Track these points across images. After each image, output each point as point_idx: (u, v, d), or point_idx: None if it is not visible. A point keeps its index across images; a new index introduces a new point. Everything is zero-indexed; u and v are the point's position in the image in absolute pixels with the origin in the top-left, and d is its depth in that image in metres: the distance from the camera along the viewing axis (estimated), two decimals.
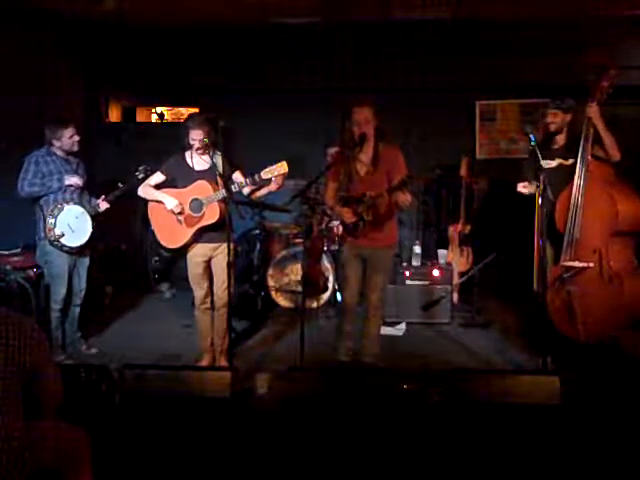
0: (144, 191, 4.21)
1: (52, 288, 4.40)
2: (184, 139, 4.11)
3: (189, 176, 4.12)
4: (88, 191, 4.60)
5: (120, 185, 4.52)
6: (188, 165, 4.16)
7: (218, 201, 4.02)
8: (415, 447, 2.91)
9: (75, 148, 4.45)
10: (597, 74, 4.04)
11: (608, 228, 3.96)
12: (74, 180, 4.38)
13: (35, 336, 2.22)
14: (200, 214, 4.07)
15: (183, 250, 4.21)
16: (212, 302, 4.31)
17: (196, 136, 4.05)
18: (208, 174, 4.08)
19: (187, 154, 4.17)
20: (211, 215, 4.05)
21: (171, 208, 4.07)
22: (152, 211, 4.26)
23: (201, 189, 4.07)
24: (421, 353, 4.65)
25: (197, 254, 4.18)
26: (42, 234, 4.34)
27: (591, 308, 4.02)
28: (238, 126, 6.52)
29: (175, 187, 4.18)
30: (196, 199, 4.07)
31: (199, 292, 4.26)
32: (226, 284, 4.01)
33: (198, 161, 4.15)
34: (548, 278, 4.05)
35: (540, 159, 3.74)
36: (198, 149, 4.10)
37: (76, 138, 4.42)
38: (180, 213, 4.09)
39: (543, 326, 3.88)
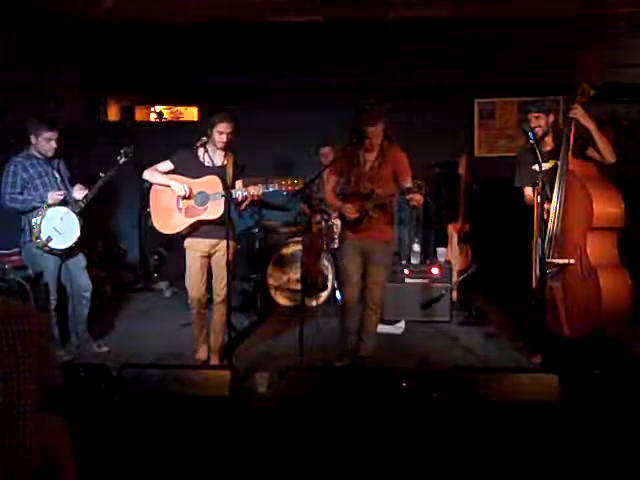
0: (150, 174, 4.19)
1: None
2: (208, 133, 4.09)
3: (198, 171, 4.13)
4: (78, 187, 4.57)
5: (102, 175, 4.46)
6: (199, 160, 4.16)
7: (224, 199, 4.01)
8: (415, 445, 2.92)
9: (50, 154, 4.38)
10: (581, 75, 4.05)
11: (585, 225, 4.03)
12: (55, 197, 4.32)
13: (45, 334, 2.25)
14: (203, 208, 4.09)
15: (183, 240, 4.22)
16: (209, 300, 4.33)
17: (224, 129, 4.04)
18: (217, 172, 4.08)
19: (200, 150, 4.16)
20: (213, 211, 4.05)
21: (177, 190, 4.07)
22: (154, 194, 4.24)
23: (211, 184, 4.07)
24: (420, 351, 4.66)
25: (196, 248, 4.18)
26: (27, 237, 4.34)
27: (573, 304, 4.11)
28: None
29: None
30: (203, 192, 4.09)
31: (195, 294, 4.22)
32: (225, 281, 4.04)
33: (209, 158, 4.15)
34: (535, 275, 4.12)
35: (539, 157, 3.75)
36: (221, 143, 4.07)
37: (53, 144, 4.36)
38: (186, 198, 4.09)
39: (538, 324, 3.91)
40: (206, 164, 4.16)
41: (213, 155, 4.15)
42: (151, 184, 4.24)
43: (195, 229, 4.16)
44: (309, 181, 4.11)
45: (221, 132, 4.06)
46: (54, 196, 4.33)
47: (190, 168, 4.15)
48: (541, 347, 4.05)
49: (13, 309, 2.20)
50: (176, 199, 4.15)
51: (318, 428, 3.00)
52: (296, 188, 3.94)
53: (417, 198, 3.78)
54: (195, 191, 4.11)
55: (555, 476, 2.79)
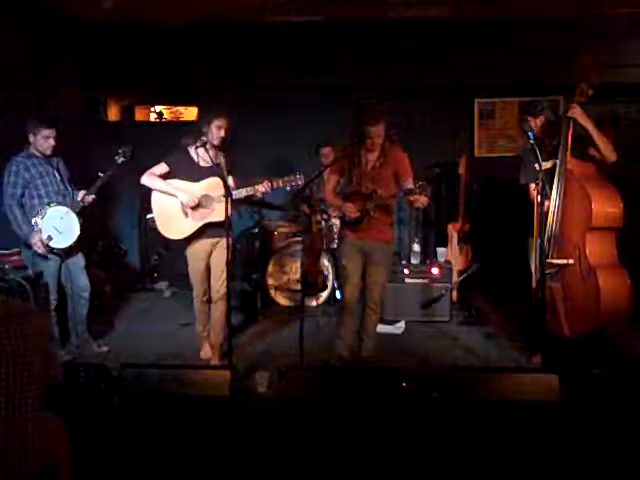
0: (151, 181, 4.18)
1: None
2: (204, 130, 4.12)
3: (194, 171, 4.16)
4: (76, 187, 4.58)
5: (100, 175, 4.46)
6: (193, 160, 4.19)
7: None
8: (415, 445, 2.92)
9: (48, 152, 4.38)
10: (579, 75, 4.05)
11: (584, 225, 4.04)
12: (37, 242, 4.24)
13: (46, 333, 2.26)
14: (210, 210, 4.14)
15: (185, 241, 4.24)
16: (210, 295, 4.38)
17: (222, 124, 4.11)
18: (214, 171, 4.09)
19: (191, 150, 4.18)
20: (220, 212, 4.05)
21: (186, 202, 4.11)
22: (156, 200, 4.24)
23: (214, 186, 4.09)
24: (420, 351, 4.66)
25: (199, 249, 4.23)
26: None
27: (572, 304, 4.12)
28: (235, 125, 6.53)
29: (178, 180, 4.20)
30: (207, 195, 4.14)
31: (199, 288, 4.34)
32: (224, 277, 4.10)
33: (203, 158, 4.17)
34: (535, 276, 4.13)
35: (539, 157, 3.75)
36: (219, 138, 4.12)
37: (51, 142, 4.36)
38: (196, 207, 4.12)
39: (538, 324, 3.92)
40: (202, 164, 4.18)
41: (209, 154, 4.13)
42: (148, 191, 4.25)
43: (203, 231, 4.20)
44: (309, 181, 4.13)
45: (219, 127, 4.10)
46: (37, 242, 4.25)
47: (185, 169, 4.17)
48: (541, 347, 4.05)
49: (14, 309, 2.20)
50: (181, 204, 4.17)
51: (318, 428, 3.00)
52: (299, 182, 4.03)
53: (422, 200, 3.78)
54: (199, 194, 4.13)
55: (555, 476, 2.79)
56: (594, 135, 4.02)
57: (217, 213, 4.10)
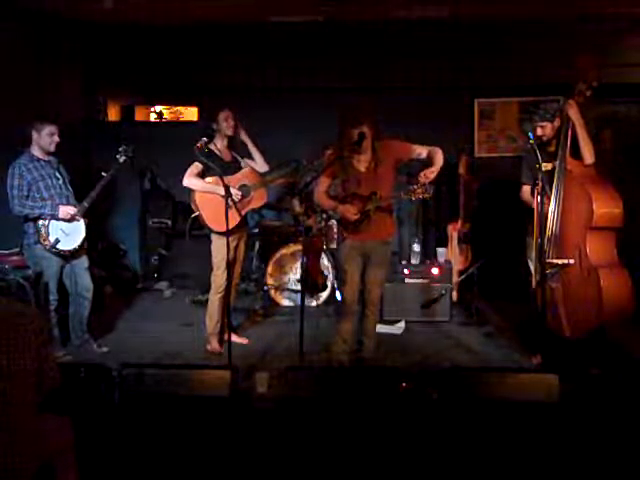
0: (192, 182, 4.38)
1: None
2: (215, 127, 4.42)
3: (222, 167, 4.29)
4: (80, 188, 4.60)
5: (104, 174, 4.49)
6: (217, 155, 4.42)
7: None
8: (414, 445, 2.92)
9: (52, 149, 4.41)
10: (577, 75, 4.05)
11: (585, 225, 4.03)
12: (66, 212, 4.33)
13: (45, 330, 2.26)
14: (249, 198, 4.52)
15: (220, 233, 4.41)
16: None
17: (228, 115, 4.43)
18: (238, 164, 4.52)
19: (211, 146, 4.37)
20: (259, 199, 4.56)
21: (232, 198, 4.28)
22: (200, 199, 4.41)
23: (248, 175, 4.52)
24: (420, 351, 4.66)
25: (232, 240, 4.36)
26: (32, 239, 4.34)
27: (573, 304, 4.11)
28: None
29: (203, 177, 4.39)
30: (244, 185, 4.49)
31: (224, 281, 4.42)
32: (241, 265, 4.77)
33: (224, 152, 4.47)
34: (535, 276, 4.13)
35: (539, 158, 3.75)
36: (230, 130, 4.44)
37: (55, 139, 4.39)
38: (241, 199, 4.39)
39: (538, 323, 3.92)
40: (226, 159, 4.47)
41: (228, 150, 4.52)
42: (191, 190, 4.42)
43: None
44: (310, 180, 4.13)
45: (226, 118, 4.43)
46: (66, 211, 4.33)
47: (216, 166, 4.28)
48: (541, 347, 4.05)
49: (11, 309, 2.19)
50: (224, 198, 4.26)
51: (318, 428, 3.00)
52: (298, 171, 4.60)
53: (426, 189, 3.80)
54: (237, 185, 4.42)
55: (555, 476, 2.79)
56: (578, 131, 4.02)
57: (257, 200, 4.56)
